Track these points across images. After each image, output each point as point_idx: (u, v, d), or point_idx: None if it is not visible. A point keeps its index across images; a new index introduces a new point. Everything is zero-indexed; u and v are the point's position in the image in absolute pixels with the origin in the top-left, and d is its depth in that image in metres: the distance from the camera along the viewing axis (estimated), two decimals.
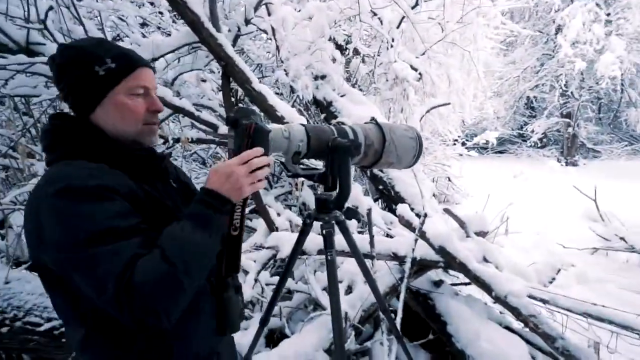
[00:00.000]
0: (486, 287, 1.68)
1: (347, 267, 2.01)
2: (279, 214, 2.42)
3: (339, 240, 1.14)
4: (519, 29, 4.70)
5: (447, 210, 2.07)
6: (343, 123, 1.18)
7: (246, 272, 1.96)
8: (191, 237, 0.68)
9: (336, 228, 1.07)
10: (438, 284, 2.07)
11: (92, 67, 0.74)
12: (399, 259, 1.89)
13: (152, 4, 3.44)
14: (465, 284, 2.09)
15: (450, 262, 1.85)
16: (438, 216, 2.71)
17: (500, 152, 13.75)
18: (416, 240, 1.87)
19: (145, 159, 0.79)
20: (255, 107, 2.38)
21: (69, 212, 0.65)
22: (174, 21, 3.34)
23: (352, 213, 1.02)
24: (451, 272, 2.20)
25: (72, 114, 0.79)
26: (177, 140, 2.59)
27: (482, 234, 2.07)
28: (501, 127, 12.13)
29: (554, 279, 1.98)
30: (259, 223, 2.42)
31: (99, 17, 2.54)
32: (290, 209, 2.95)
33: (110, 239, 0.65)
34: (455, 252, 1.82)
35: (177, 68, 2.53)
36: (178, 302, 0.67)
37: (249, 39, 3.17)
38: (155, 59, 2.11)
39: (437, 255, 1.89)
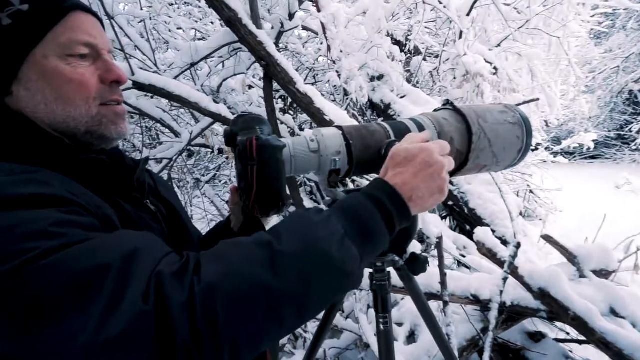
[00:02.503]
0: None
1: (409, 306, 1.59)
2: None
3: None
4: (630, 5, 3.76)
5: (547, 238, 1.54)
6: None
7: None
8: (329, 244, 0.40)
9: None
10: (536, 337, 1.53)
11: None
12: (480, 303, 1.42)
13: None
14: (579, 342, 1.51)
15: (558, 312, 1.33)
16: (528, 241, 2.14)
17: (593, 157, 11.72)
18: (505, 279, 1.39)
19: (106, 168, 0.48)
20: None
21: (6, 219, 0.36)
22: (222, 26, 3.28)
23: (420, 264, 0.63)
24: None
25: None
26: (220, 151, 2.44)
27: (604, 273, 1.49)
28: (593, 129, 10.33)
29: None
30: None
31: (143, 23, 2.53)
32: None
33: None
34: (567, 301, 1.29)
35: (222, 73, 2.39)
36: (261, 339, 0.37)
37: (292, 36, 2.94)
38: (195, 64, 1.98)
39: (537, 301, 1.38)
